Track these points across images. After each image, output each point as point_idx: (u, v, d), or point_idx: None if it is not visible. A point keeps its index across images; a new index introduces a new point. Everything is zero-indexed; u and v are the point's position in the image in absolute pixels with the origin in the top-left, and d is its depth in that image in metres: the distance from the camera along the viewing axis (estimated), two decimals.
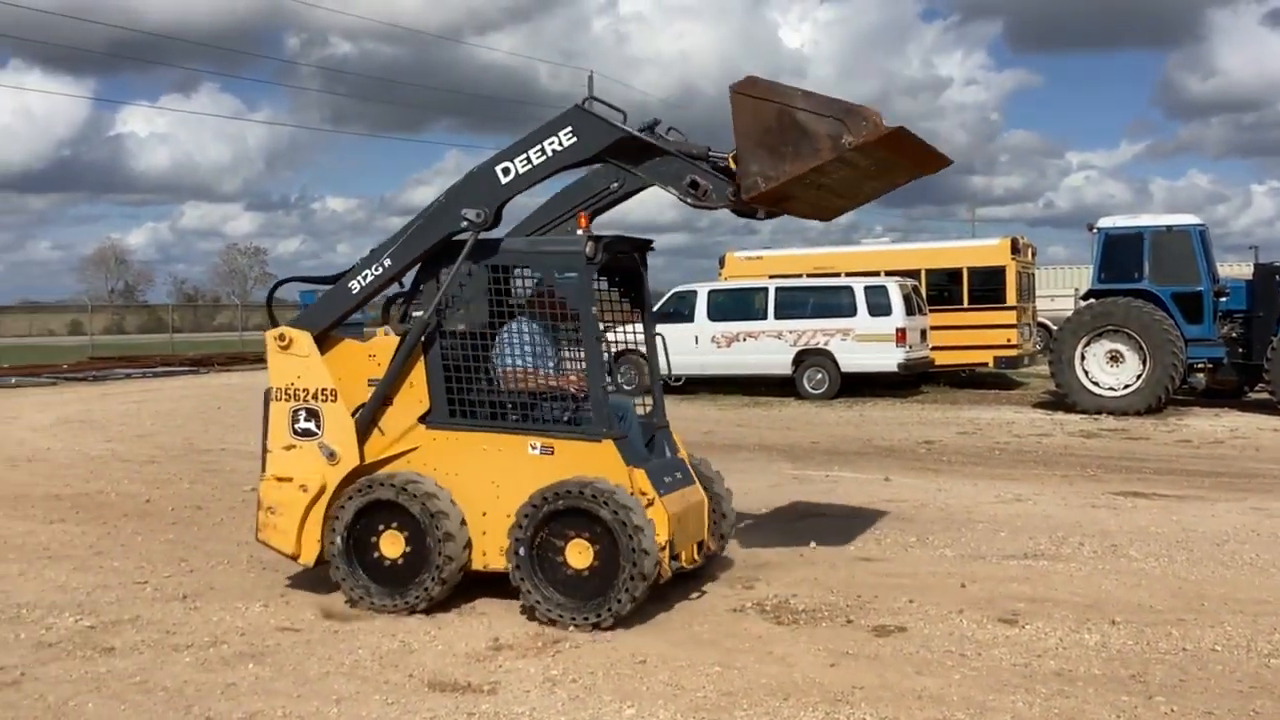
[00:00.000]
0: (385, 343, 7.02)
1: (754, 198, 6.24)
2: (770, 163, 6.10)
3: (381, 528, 6.68)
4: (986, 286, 22.36)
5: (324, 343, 7.00)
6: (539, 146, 6.51)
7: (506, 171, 6.56)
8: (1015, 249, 22.27)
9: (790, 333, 20.83)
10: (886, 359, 20.14)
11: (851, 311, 20.50)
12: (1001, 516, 9.52)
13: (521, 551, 6.37)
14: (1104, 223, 18.95)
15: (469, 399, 6.75)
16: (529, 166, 6.54)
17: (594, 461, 6.48)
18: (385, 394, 6.81)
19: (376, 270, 6.80)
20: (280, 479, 6.87)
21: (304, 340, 6.89)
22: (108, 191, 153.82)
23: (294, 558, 6.92)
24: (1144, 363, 17.60)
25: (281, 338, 6.93)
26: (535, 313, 6.87)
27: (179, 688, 5.54)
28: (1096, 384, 17.98)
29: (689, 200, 6.45)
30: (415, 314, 7.04)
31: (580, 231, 6.72)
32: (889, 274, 21.40)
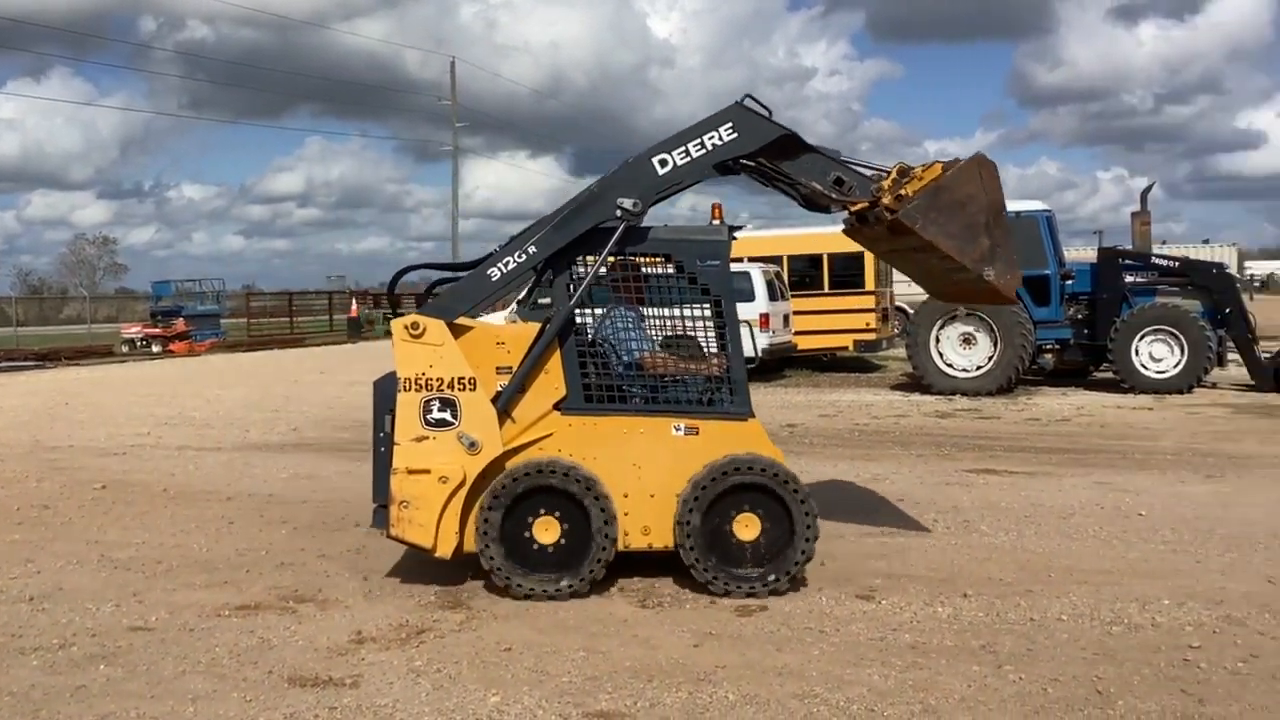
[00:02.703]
0: (516, 330, 6.98)
1: (896, 220, 6.75)
2: (932, 215, 6.69)
3: (536, 514, 6.67)
4: (846, 272, 22.85)
5: (453, 331, 6.84)
6: (699, 140, 6.67)
7: (664, 163, 6.68)
8: None
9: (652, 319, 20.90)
10: (750, 344, 20.34)
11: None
12: (854, 495, 9.74)
13: (695, 521, 6.57)
14: None
15: (605, 384, 6.82)
16: (688, 160, 6.68)
17: (741, 440, 6.73)
18: (523, 382, 6.75)
19: (520, 257, 6.71)
20: (414, 471, 6.63)
21: (438, 329, 6.71)
22: None
23: (430, 551, 6.73)
24: (995, 345, 18.21)
25: (415, 326, 6.70)
26: (677, 298, 7.00)
27: (25, 692, 5.32)
28: (951, 366, 18.54)
29: (832, 195, 6.92)
30: (543, 301, 6.94)
31: (716, 222, 6.82)
32: (752, 260, 21.68)
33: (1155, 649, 5.64)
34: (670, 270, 6.98)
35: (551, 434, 6.78)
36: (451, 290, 6.94)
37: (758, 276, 20.59)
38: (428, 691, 5.24)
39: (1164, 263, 19.58)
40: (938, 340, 18.58)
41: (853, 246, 23.73)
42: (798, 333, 22.06)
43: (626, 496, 6.74)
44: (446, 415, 6.65)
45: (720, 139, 6.68)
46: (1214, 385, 18.62)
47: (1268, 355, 18.26)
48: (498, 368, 6.81)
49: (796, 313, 22.10)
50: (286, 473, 11.64)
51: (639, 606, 6.53)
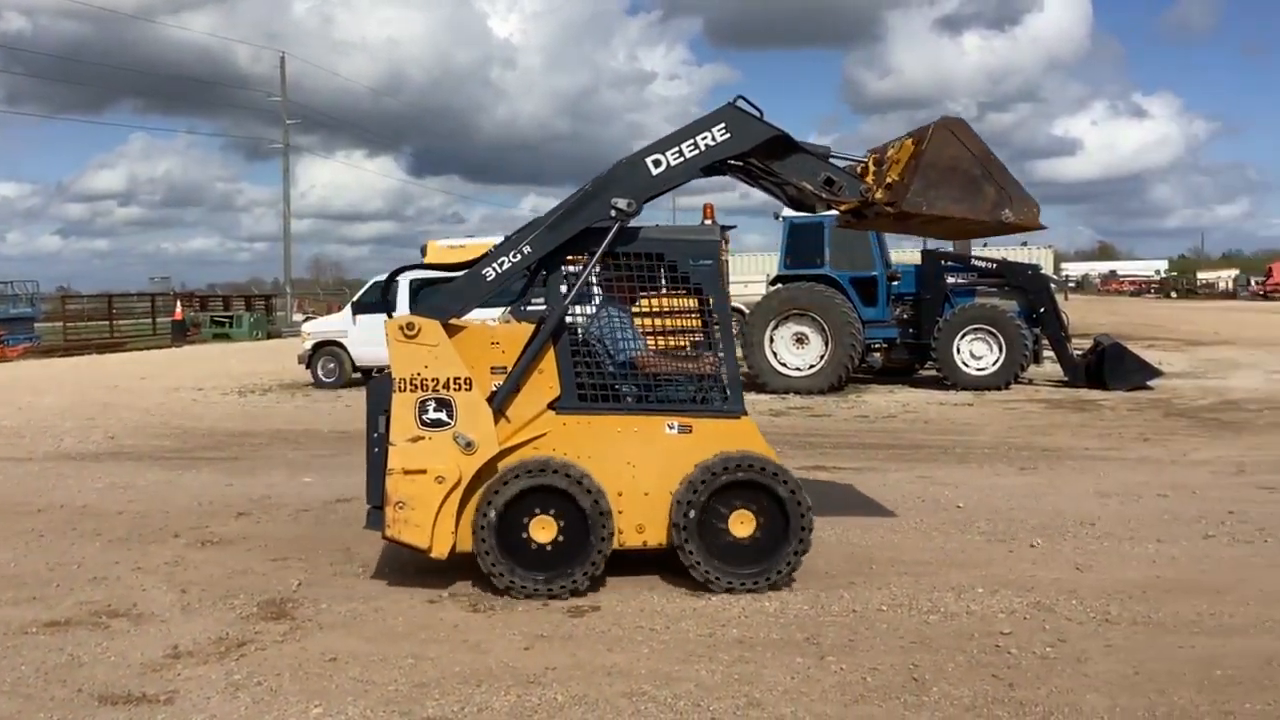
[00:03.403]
0: (510, 330, 6.94)
1: (903, 211, 6.88)
2: (934, 194, 6.83)
3: (533, 514, 6.64)
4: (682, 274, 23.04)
5: (448, 331, 6.74)
6: (692, 141, 6.70)
7: (658, 164, 6.70)
8: None
9: (493, 320, 20.76)
10: None
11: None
12: None
13: (691, 519, 6.60)
14: (788, 212, 19.87)
15: (599, 383, 6.82)
16: (681, 160, 6.71)
17: (734, 437, 6.80)
18: (518, 382, 6.71)
19: (515, 257, 6.69)
20: (410, 472, 6.54)
21: (433, 329, 6.65)
22: None
23: (426, 552, 6.62)
24: (826, 344, 18.67)
25: (409, 327, 6.63)
26: (667, 298, 7.03)
27: None
28: (784, 365, 18.93)
29: (823, 195, 6.98)
30: (536, 301, 7.01)
31: (708, 222, 6.73)
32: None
33: (969, 636, 5.85)
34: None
35: (546, 433, 6.79)
36: (446, 290, 6.86)
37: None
38: (247, 706, 5.08)
39: (983, 264, 20.42)
40: (771, 340, 18.94)
41: None
42: None
43: (621, 495, 6.75)
44: (442, 415, 6.62)
45: (713, 139, 6.71)
46: (1030, 381, 19.46)
47: (1079, 352, 19.20)
48: (492, 367, 6.81)
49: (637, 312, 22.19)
50: (102, 482, 11.14)
51: (470, 611, 6.47)
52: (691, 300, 7.05)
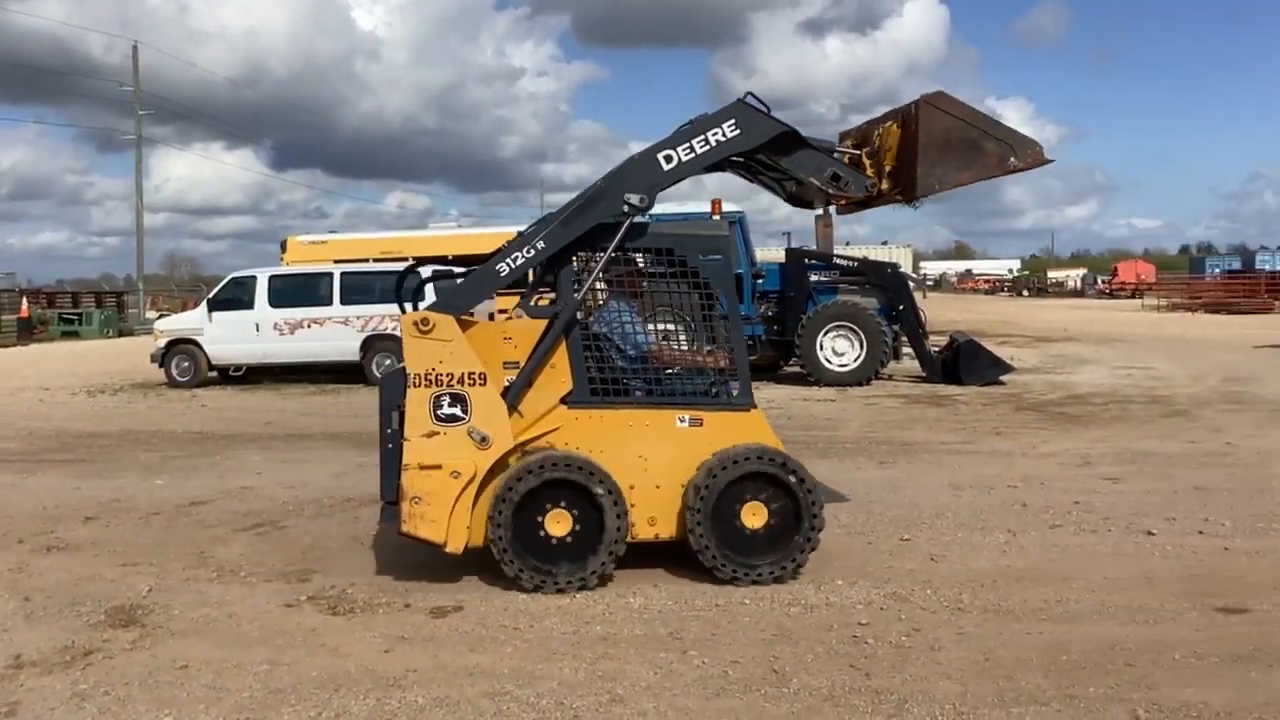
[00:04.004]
0: (522, 325, 6.93)
1: (916, 198, 6.98)
2: (944, 170, 6.91)
3: (548, 507, 6.64)
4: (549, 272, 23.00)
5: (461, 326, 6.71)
6: (703, 136, 6.72)
7: (669, 159, 6.73)
8: None
9: (358, 318, 20.47)
10: None
11: (420, 296, 20.36)
12: None
13: (703, 512, 6.64)
14: (655, 210, 20.03)
15: (611, 378, 6.87)
16: (691, 155, 6.74)
17: (744, 430, 6.88)
18: (530, 377, 6.72)
19: (528, 253, 6.68)
20: (425, 467, 6.53)
21: (448, 324, 6.64)
22: None
23: (442, 547, 6.59)
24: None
25: (424, 322, 6.62)
26: (676, 293, 7.01)
27: None
28: None
29: (830, 190, 7.07)
30: (545, 296, 7.08)
31: (716, 217, 6.66)
32: (458, 259, 21.51)
33: (828, 628, 5.96)
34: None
35: (558, 428, 6.82)
36: (460, 285, 6.86)
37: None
38: (93, 716, 4.91)
39: (844, 263, 20.85)
40: None
41: None
42: None
43: (633, 488, 6.77)
44: (457, 410, 6.63)
45: (724, 135, 6.74)
46: (890, 377, 19.94)
47: (937, 349, 19.76)
48: (505, 363, 6.80)
49: (502, 311, 22.05)
50: None
51: (329, 614, 6.34)
52: (700, 294, 7.03)
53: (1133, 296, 71.96)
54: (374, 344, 20.46)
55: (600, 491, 6.62)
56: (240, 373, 21.23)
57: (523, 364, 6.78)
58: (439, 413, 6.62)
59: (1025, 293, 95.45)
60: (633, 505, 6.79)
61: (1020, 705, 4.88)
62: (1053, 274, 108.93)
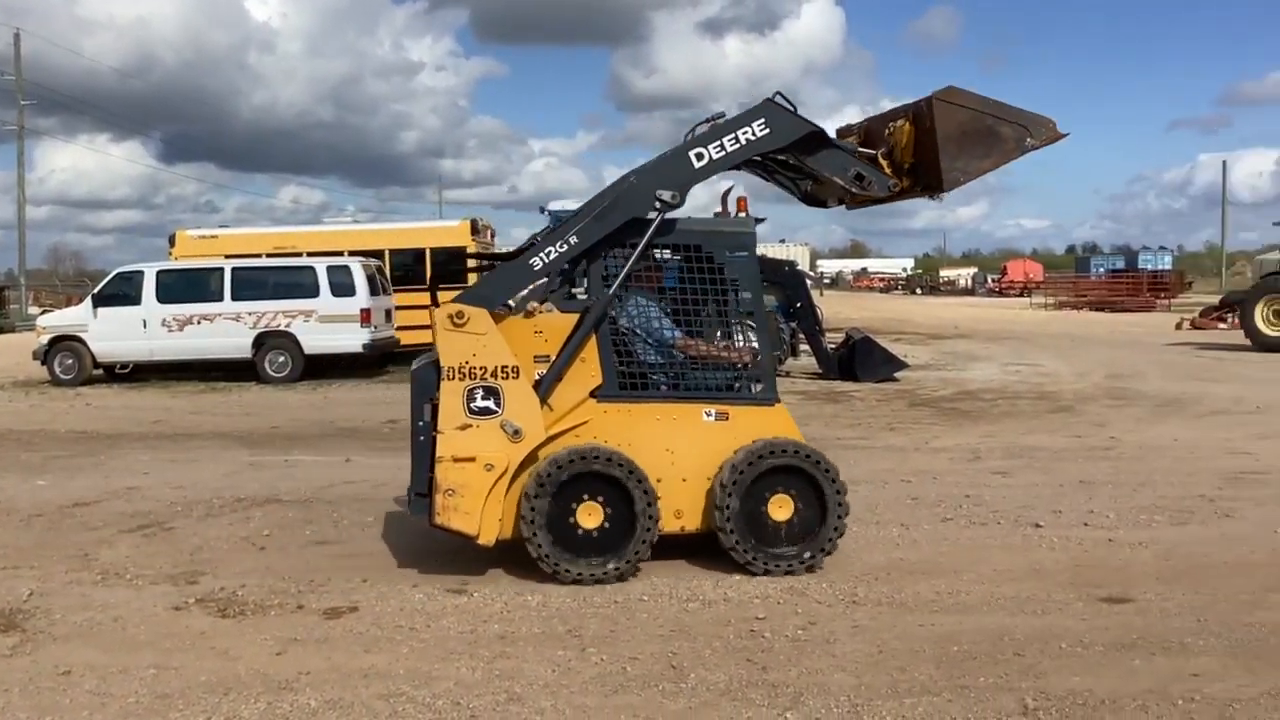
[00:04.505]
0: (553, 319, 6.96)
1: (943, 192, 7.10)
2: (966, 161, 6.99)
3: (580, 500, 6.70)
4: (448, 267, 22.79)
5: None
6: (733, 135, 6.81)
7: (700, 157, 6.82)
8: (475, 230, 22.91)
9: (249, 314, 20.06)
10: (351, 340, 19.99)
11: (314, 292, 20.11)
12: None
13: (734, 503, 6.71)
14: (553, 206, 20.11)
15: (639, 372, 6.96)
16: (722, 153, 6.83)
17: (769, 424, 6.98)
18: (561, 370, 6.77)
19: (561, 247, 6.74)
20: (460, 459, 6.56)
21: (482, 317, 6.69)
22: None
23: (474, 539, 6.63)
24: None
25: (459, 315, 6.66)
26: (704, 288, 7.09)
27: None
28: None
29: (853, 189, 7.15)
30: (576, 291, 7.20)
31: (742, 215, 7.28)
32: (352, 254, 21.22)
33: (726, 622, 5.99)
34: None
35: (587, 421, 6.87)
36: (493, 279, 6.94)
37: (358, 271, 20.17)
38: None
39: None
40: None
41: (456, 241, 23.91)
42: (401, 328, 21.80)
43: (659, 481, 6.82)
44: (490, 403, 6.66)
45: (754, 134, 6.83)
46: (788, 374, 20.13)
47: (833, 346, 20.02)
48: (535, 356, 6.82)
49: (399, 308, 21.83)
50: None
51: (218, 617, 6.19)
52: (727, 291, 7.15)
53: (1021, 295, 73.84)
54: (266, 341, 20.08)
55: (634, 485, 6.68)
56: (127, 370, 20.68)
57: (553, 358, 6.82)
58: (472, 405, 6.66)
59: (919, 291, 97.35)
60: (659, 498, 6.85)
61: (913, 696, 4.96)
62: (945, 273, 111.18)
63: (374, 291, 20.40)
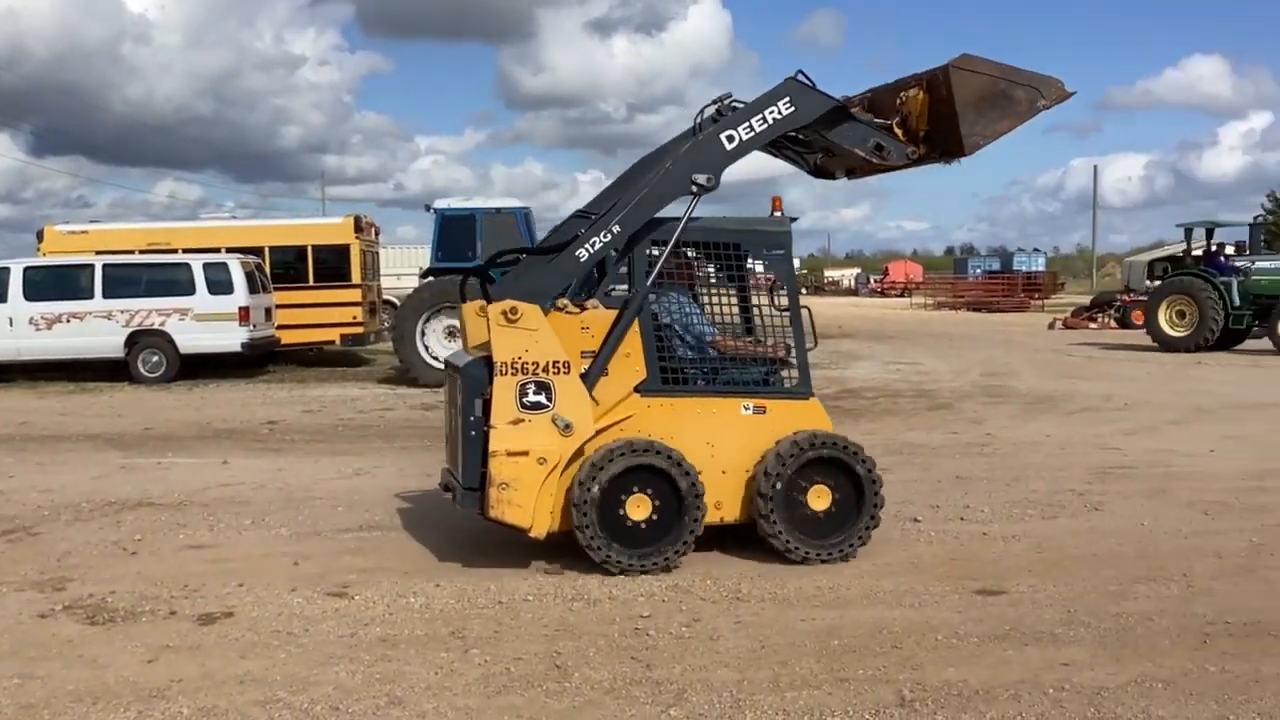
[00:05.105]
0: (599, 315, 7.09)
1: (964, 156, 7.24)
2: (984, 125, 7.14)
3: (630, 492, 6.80)
4: (331, 265, 22.42)
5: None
6: (760, 115, 6.97)
7: (731, 139, 6.97)
8: (359, 228, 22.53)
9: (122, 313, 19.43)
10: (229, 339, 19.50)
11: (190, 290, 19.57)
12: (340, 491, 9.59)
13: (777, 493, 6.90)
14: (439, 204, 19.80)
15: (682, 368, 7.15)
16: (752, 134, 6.99)
17: (805, 417, 7.20)
18: (606, 365, 6.87)
19: (605, 237, 6.84)
20: (514, 453, 6.63)
21: (534, 313, 6.76)
22: None
23: (526, 531, 6.72)
24: None
25: (513, 311, 6.71)
26: (742, 285, 7.46)
27: None
28: (437, 358, 18.73)
29: (873, 160, 7.32)
30: (615, 287, 7.38)
31: (778, 214, 7.41)
32: (230, 251, 20.70)
33: (611, 621, 5.99)
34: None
35: (632, 415, 6.97)
36: (540, 273, 6.99)
37: (236, 268, 19.68)
38: None
39: None
40: (424, 333, 18.74)
41: (339, 239, 23.52)
42: (281, 327, 21.35)
43: (701, 473, 6.92)
44: (542, 398, 6.72)
45: (780, 113, 6.99)
46: None
47: None
48: (582, 352, 6.90)
49: (280, 306, 21.37)
50: None
51: (87, 624, 5.99)
52: (765, 288, 7.41)
53: (902, 295, 75.45)
54: (140, 339, 19.49)
55: (682, 478, 6.81)
56: None
57: (598, 352, 6.93)
58: (524, 400, 6.72)
59: (804, 291, 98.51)
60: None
61: (794, 690, 5.02)
62: (829, 273, 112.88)
63: (253, 289, 19.93)
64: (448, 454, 7.56)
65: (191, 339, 19.52)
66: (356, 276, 22.31)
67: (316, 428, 14.03)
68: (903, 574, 6.88)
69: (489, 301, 6.96)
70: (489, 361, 6.78)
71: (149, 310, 19.46)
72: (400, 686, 5.06)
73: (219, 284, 19.54)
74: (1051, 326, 36.49)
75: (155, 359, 19.56)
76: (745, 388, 7.31)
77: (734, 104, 7.25)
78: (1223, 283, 24.30)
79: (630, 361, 7.00)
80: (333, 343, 23.01)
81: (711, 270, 7.50)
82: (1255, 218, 33.54)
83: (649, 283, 6.99)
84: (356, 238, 22.34)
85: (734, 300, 7.49)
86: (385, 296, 26.06)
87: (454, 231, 19.38)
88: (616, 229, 6.88)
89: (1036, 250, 64.30)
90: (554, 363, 6.77)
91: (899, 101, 7.42)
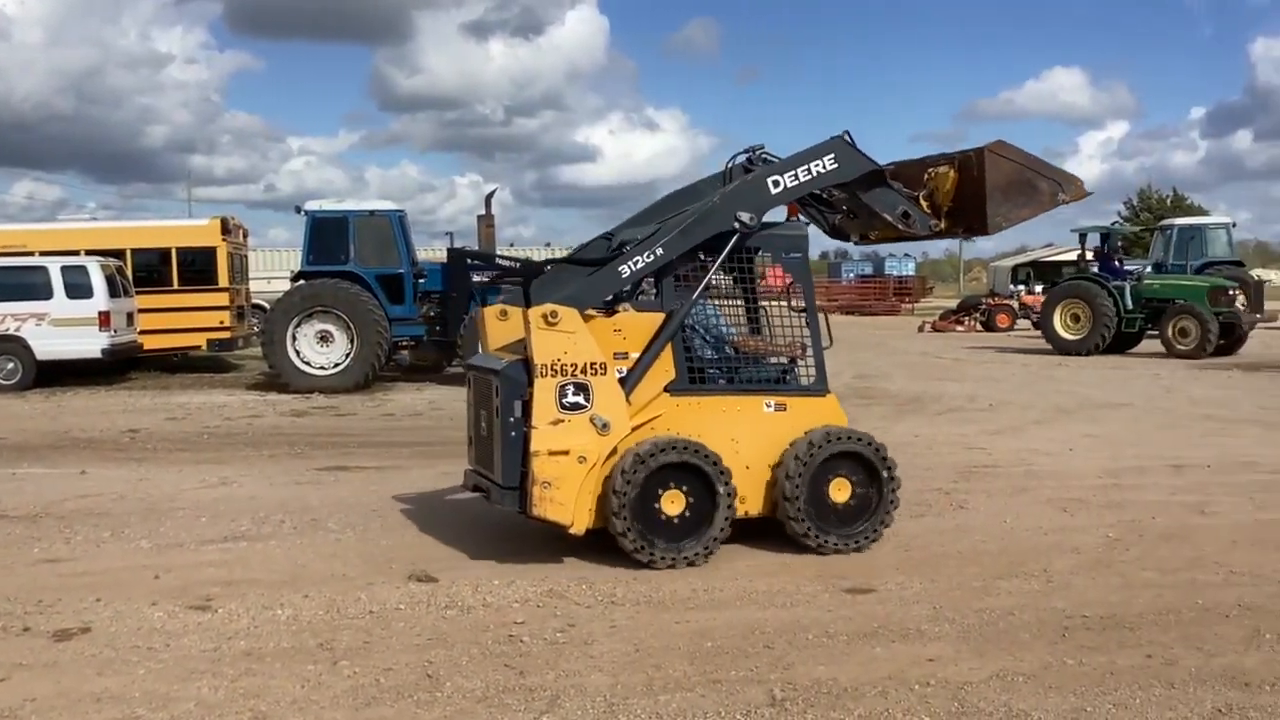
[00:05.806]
0: (631, 319, 7.44)
1: (986, 234, 7.82)
2: (1008, 209, 7.72)
3: (666, 488, 7.04)
4: (197, 268, 21.81)
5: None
6: (806, 167, 7.44)
7: (776, 184, 7.43)
8: (226, 230, 21.97)
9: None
10: (89, 344, 18.80)
11: (47, 294, 18.83)
12: (205, 501, 9.32)
13: (801, 486, 7.21)
14: (310, 206, 19.42)
15: (705, 367, 7.51)
16: (796, 182, 7.45)
17: (823, 414, 7.53)
18: (647, 370, 7.19)
19: (649, 258, 7.21)
20: (555, 453, 6.83)
21: (573, 317, 6.97)
22: None
23: (567, 528, 6.95)
24: (352, 341, 18.37)
25: (553, 314, 6.90)
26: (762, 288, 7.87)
27: None
28: (308, 364, 18.42)
29: (899, 227, 7.87)
30: (643, 294, 7.85)
31: (794, 219, 7.92)
32: (90, 254, 19.97)
33: (485, 628, 5.94)
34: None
35: (661, 414, 7.25)
36: (584, 283, 7.30)
37: (96, 271, 19.00)
38: None
39: (506, 263, 20.81)
40: (294, 338, 18.37)
41: (205, 241, 22.95)
42: (144, 332, 20.68)
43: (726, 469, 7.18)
44: (580, 399, 6.93)
45: (824, 167, 7.46)
46: None
47: None
48: (615, 353, 7.14)
49: (142, 310, 20.71)
50: None
51: None
52: (785, 290, 7.70)
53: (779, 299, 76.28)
54: None
55: (716, 474, 7.08)
56: None
57: (631, 355, 7.21)
58: (564, 401, 6.92)
59: None
60: None
61: (667, 693, 5.04)
62: None
63: (114, 293, 19.26)
64: (475, 455, 7.83)
65: (49, 345, 18.79)
66: (224, 280, 21.75)
67: (181, 436, 13.62)
68: (775, 574, 6.96)
69: (529, 306, 7.19)
70: (527, 364, 7.00)
71: (3, 315, 18.69)
72: (265, 701, 4.93)
73: (78, 288, 18.85)
74: (921, 330, 37.40)
75: (10, 366, 18.77)
76: (767, 386, 7.63)
77: (764, 155, 7.84)
78: (1116, 287, 25.18)
79: (660, 363, 7.30)
80: (199, 348, 22.40)
81: (731, 274, 7.80)
82: (1112, 224, 34.89)
83: (695, 295, 7.36)
84: (224, 240, 21.78)
85: (752, 302, 7.88)
86: (254, 300, 25.45)
87: (326, 234, 19.05)
88: (660, 251, 7.24)
89: (907, 255, 65.69)
90: (591, 364, 7.00)
91: (927, 176, 7.92)
